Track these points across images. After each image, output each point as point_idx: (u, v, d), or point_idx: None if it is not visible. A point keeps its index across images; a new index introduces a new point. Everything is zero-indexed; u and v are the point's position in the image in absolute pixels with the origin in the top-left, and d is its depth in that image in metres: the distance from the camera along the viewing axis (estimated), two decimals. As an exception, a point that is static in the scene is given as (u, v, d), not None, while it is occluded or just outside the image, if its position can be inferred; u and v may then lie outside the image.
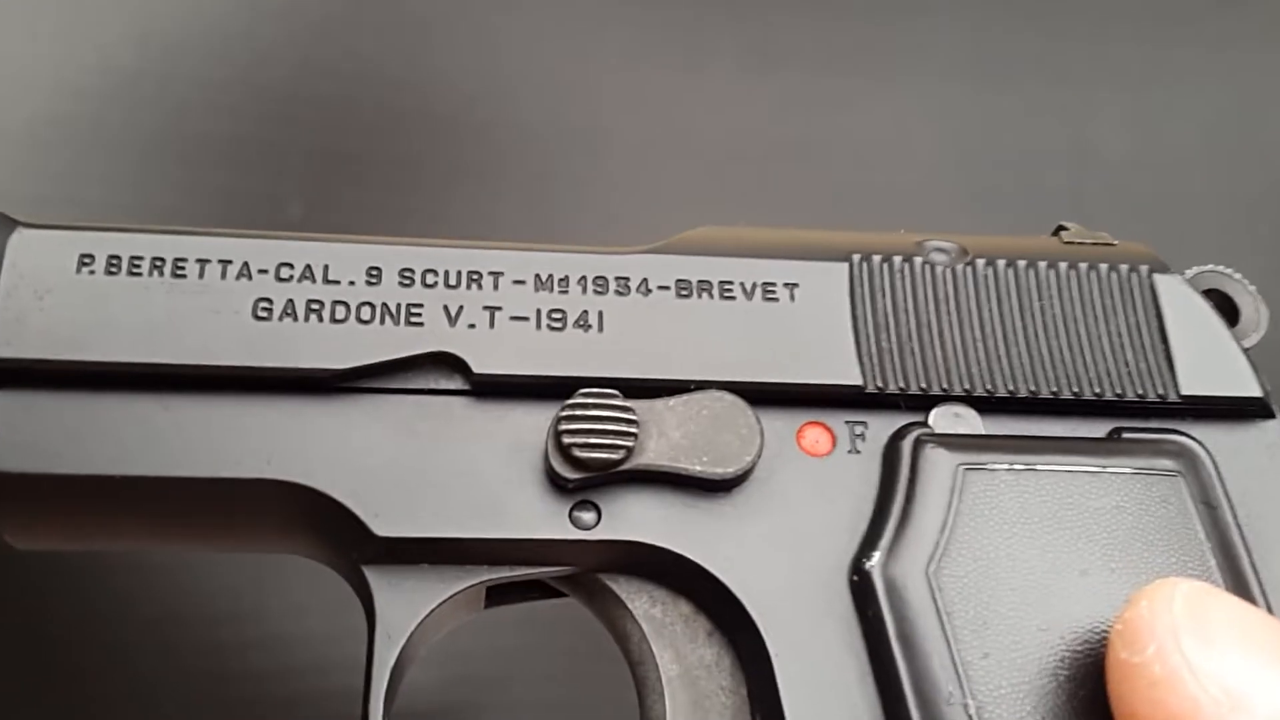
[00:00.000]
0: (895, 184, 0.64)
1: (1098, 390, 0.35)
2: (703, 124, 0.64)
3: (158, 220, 0.57)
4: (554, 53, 0.64)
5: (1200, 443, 0.34)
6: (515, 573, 0.34)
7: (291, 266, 0.34)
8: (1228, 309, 0.38)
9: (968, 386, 0.35)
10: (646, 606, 0.34)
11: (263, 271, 0.34)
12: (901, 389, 0.34)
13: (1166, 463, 0.34)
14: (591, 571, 0.34)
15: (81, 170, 0.58)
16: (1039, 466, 0.33)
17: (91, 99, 0.59)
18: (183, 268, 0.34)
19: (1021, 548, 0.32)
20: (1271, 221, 0.66)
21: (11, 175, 0.57)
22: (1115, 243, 0.38)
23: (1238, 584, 0.33)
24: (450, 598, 0.33)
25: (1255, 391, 0.35)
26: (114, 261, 0.33)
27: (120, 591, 0.52)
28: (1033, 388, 0.35)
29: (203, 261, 0.34)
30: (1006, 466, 0.33)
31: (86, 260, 0.33)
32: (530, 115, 0.63)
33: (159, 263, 0.34)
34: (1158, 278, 0.36)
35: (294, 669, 0.53)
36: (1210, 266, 0.39)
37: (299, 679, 0.53)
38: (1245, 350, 0.37)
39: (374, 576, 0.33)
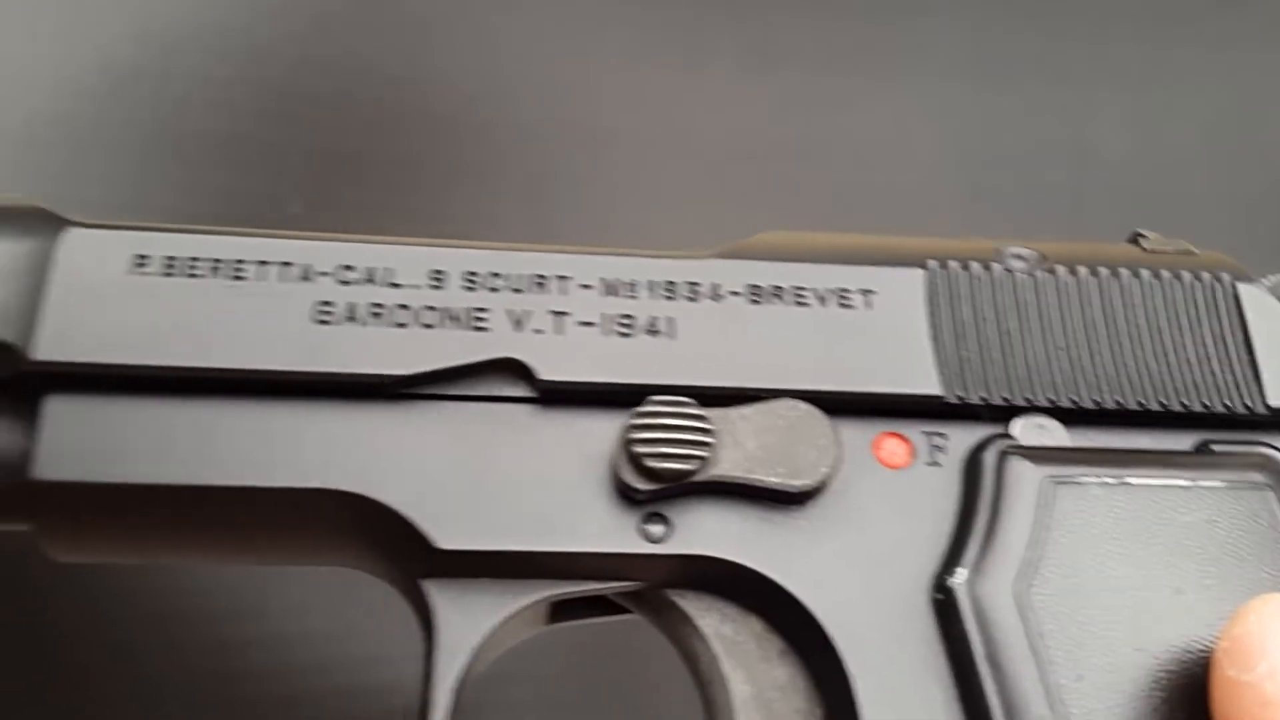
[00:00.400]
0: (895, 184, 0.64)
1: (1185, 402, 0.34)
2: (703, 124, 0.64)
3: (158, 219, 0.56)
4: (554, 52, 0.64)
5: None
6: (581, 588, 0.32)
7: (353, 269, 0.33)
8: (1308, 319, 0.37)
9: (1052, 397, 0.33)
10: (717, 624, 0.33)
11: (324, 274, 0.33)
12: (983, 399, 0.33)
13: (1256, 476, 0.32)
14: (659, 587, 0.33)
15: (81, 169, 0.57)
16: (1130, 480, 0.32)
17: (91, 97, 0.58)
18: (242, 269, 0.32)
19: (1114, 565, 0.31)
20: (1272, 221, 0.66)
21: (11, 174, 0.57)
22: (1196, 251, 0.37)
23: None
24: (514, 614, 0.32)
25: None
26: (170, 262, 0.32)
27: (122, 589, 0.51)
28: (1119, 399, 0.34)
29: (262, 263, 0.33)
30: (1097, 480, 0.32)
31: (142, 261, 0.32)
32: (530, 114, 0.63)
33: (218, 264, 0.32)
34: (1241, 286, 0.35)
35: (295, 667, 0.52)
36: (1288, 275, 0.38)
37: (300, 677, 0.52)
38: None
39: (435, 591, 0.32)
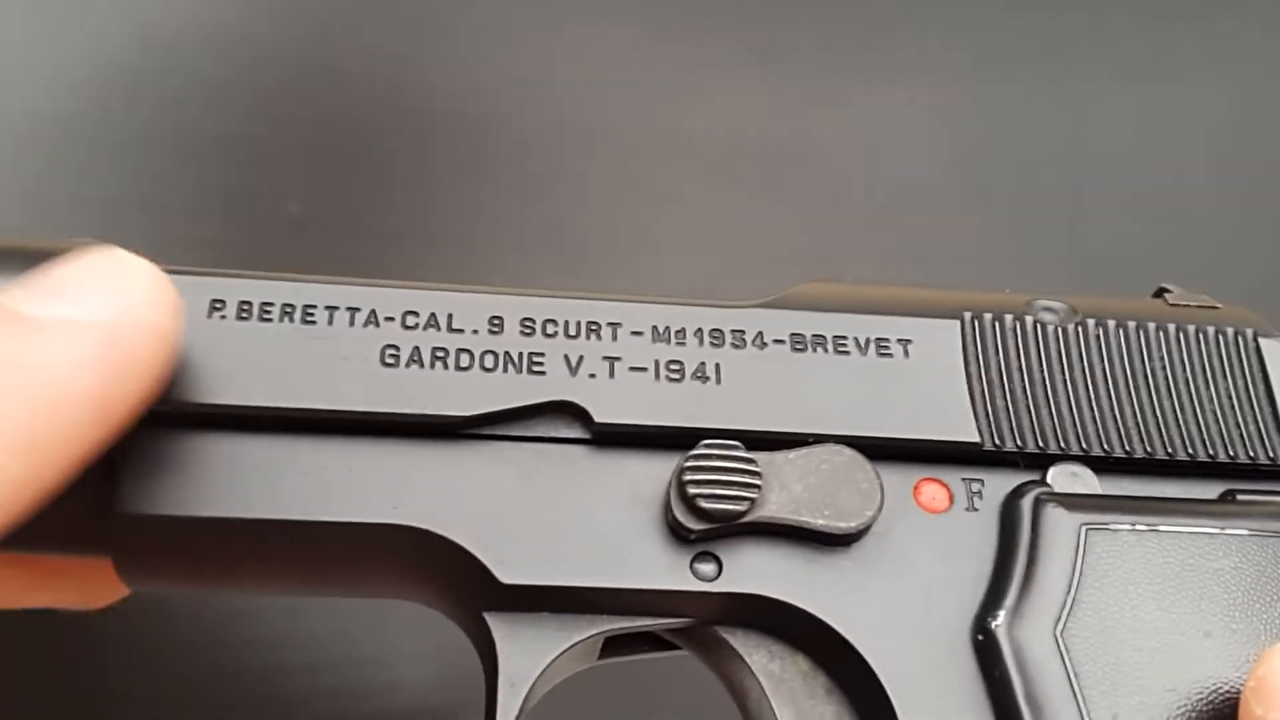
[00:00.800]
0: (895, 182, 0.64)
1: (1211, 452, 0.35)
2: (703, 123, 0.64)
3: (158, 219, 0.57)
4: (554, 52, 0.64)
5: None
6: (635, 623, 0.34)
7: (417, 314, 0.34)
8: (1325, 372, 0.38)
9: (1085, 446, 0.35)
10: (765, 661, 0.34)
11: (389, 319, 0.34)
12: (1019, 447, 0.35)
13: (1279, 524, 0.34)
14: (709, 624, 0.34)
15: (81, 168, 0.58)
16: (1160, 527, 0.33)
17: (91, 97, 0.58)
18: (312, 314, 0.34)
19: (1145, 609, 0.32)
20: (1272, 221, 0.67)
21: (12, 173, 0.57)
22: (1219, 305, 0.38)
23: None
24: (571, 647, 0.33)
25: None
26: (245, 307, 0.34)
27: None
28: (1149, 449, 0.35)
29: (331, 308, 0.34)
30: (1129, 527, 0.33)
31: (218, 305, 0.34)
32: (530, 114, 0.63)
33: (289, 309, 0.34)
34: (1264, 341, 0.37)
35: (289, 668, 0.53)
36: (1308, 329, 0.39)
37: (294, 678, 0.53)
38: None
39: (496, 624, 0.33)
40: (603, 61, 0.65)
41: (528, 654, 0.33)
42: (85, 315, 0.28)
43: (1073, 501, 0.34)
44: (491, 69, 0.63)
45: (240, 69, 0.60)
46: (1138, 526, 0.33)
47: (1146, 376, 0.36)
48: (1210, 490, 0.35)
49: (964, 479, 0.35)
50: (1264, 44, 0.70)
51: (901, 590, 0.33)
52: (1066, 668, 0.31)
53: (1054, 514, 0.33)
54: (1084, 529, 0.33)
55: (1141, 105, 0.68)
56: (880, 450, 0.34)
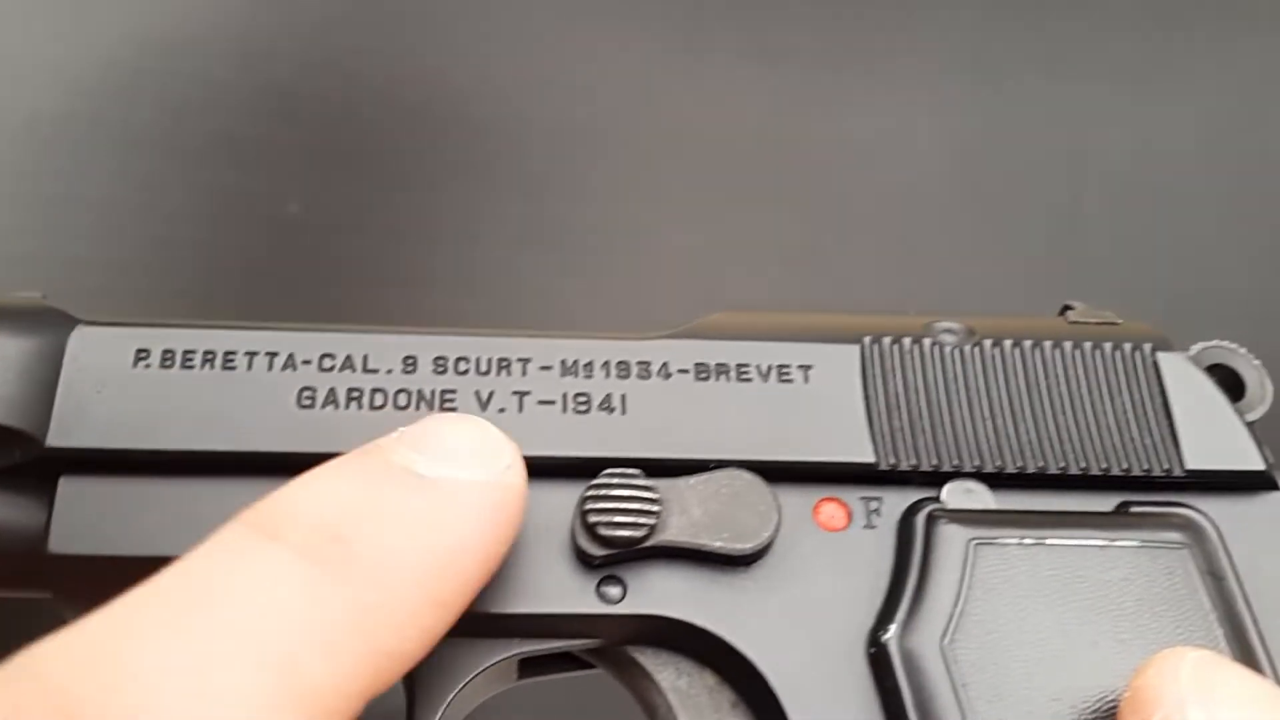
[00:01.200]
0: (895, 181, 0.65)
1: (1104, 466, 0.36)
2: (702, 122, 0.65)
3: (158, 218, 0.58)
4: (553, 51, 0.65)
5: (1206, 515, 0.36)
6: (546, 645, 0.35)
7: (333, 357, 0.36)
8: (1233, 383, 0.39)
9: (978, 463, 0.36)
10: (672, 678, 0.35)
11: (306, 362, 0.36)
12: (914, 465, 0.36)
13: (1172, 535, 0.35)
14: (619, 644, 0.36)
15: (82, 168, 0.59)
16: (1048, 540, 0.34)
17: (91, 98, 0.60)
18: (232, 360, 0.36)
19: (1033, 620, 0.33)
20: (1272, 221, 0.66)
21: (11, 173, 0.58)
22: (1119, 321, 0.39)
23: (1244, 653, 0.33)
24: (484, 669, 0.35)
25: (1258, 465, 0.37)
26: (168, 355, 0.36)
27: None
28: (1041, 464, 0.36)
29: (251, 354, 0.36)
30: (1017, 541, 0.34)
31: (142, 355, 0.36)
32: (529, 113, 0.64)
33: (210, 355, 0.36)
34: (1161, 355, 0.38)
35: None
36: (1215, 342, 0.40)
37: None
38: (1250, 424, 0.38)
39: None
40: (603, 61, 0.66)
41: (443, 677, 0.34)
42: (473, 477, 0.30)
43: (963, 517, 0.35)
44: (492, 69, 0.64)
45: (240, 69, 0.61)
46: (1025, 540, 0.34)
47: (1042, 393, 0.37)
48: (1106, 503, 0.36)
49: (862, 498, 0.36)
50: (1263, 46, 0.70)
51: (800, 607, 0.34)
52: (952, 677, 0.32)
53: (944, 529, 0.34)
54: (972, 543, 0.34)
55: (1140, 106, 0.68)
56: (779, 473, 0.36)
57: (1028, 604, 0.33)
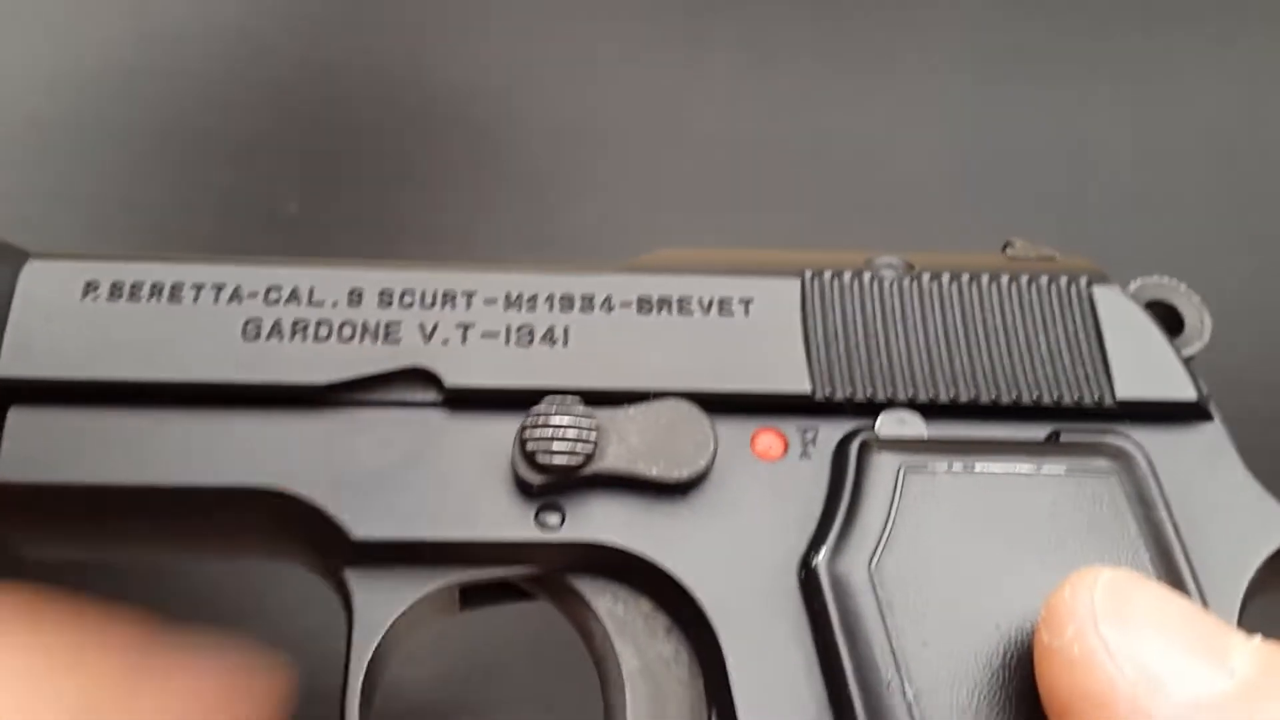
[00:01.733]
0: (894, 181, 0.65)
1: (1035, 396, 0.37)
2: (702, 122, 0.65)
3: (157, 218, 0.58)
4: (553, 51, 0.65)
5: (1137, 444, 0.36)
6: (486, 573, 0.36)
7: (279, 290, 0.37)
8: (1172, 319, 0.40)
9: (912, 393, 0.37)
10: (609, 604, 0.36)
11: (252, 295, 0.37)
12: (848, 396, 0.36)
13: (1100, 462, 0.35)
14: (558, 572, 0.36)
15: (82, 167, 0.59)
16: (976, 468, 0.35)
17: (91, 97, 0.60)
18: (179, 292, 0.36)
19: (960, 545, 0.34)
20: (1272, 220, 0.66)
21: (13, 172, 0.59)
22: (1057, 256, 0.40)
23: (1172, 578, 0.34)
24: (424, 596, 0.35)
25: (1191, 395, 0.37)
26: (116, 288, 0.36)
27: (102, 592, 0.54)
28: (973, 394, 0.37)
29: (197, 286, 0.37)
30: (946, 468, 0.35)
31: (92, 287, 0.36)
32: (529, 114, 0.64)
33: (157, 288, 0.36)
34: (1096, 288, 0.38)
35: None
36: (1155, 278, 0.40)
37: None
38: (1186, 357, 0.38)
39: (352, 577, 0.35)
40: (603, 62, 0.66)
41: (382, 603, 0.35)
42: None
43: (894, 445, 0.35)
44: (492, 69, 0.64)
45: (240, 69, 0.62)
46: (954, 467, 0.35)
47: (977, 326, 0.38)
48: (1038, 432, 0.37)
49: (798, 428, 0.36)
50: (1264, 44, 0.70)
51: (734, 534, 0.35)
52: (878, 599, 0.33)
53: (875, 457, 0.35)
54: (903, 470, 0.35)
55: (1141, 105, 0.68)
56: (718, 403, 0.36)
57: (955, 529, 0.34)
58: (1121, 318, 0.38)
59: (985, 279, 0.38)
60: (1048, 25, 0.69)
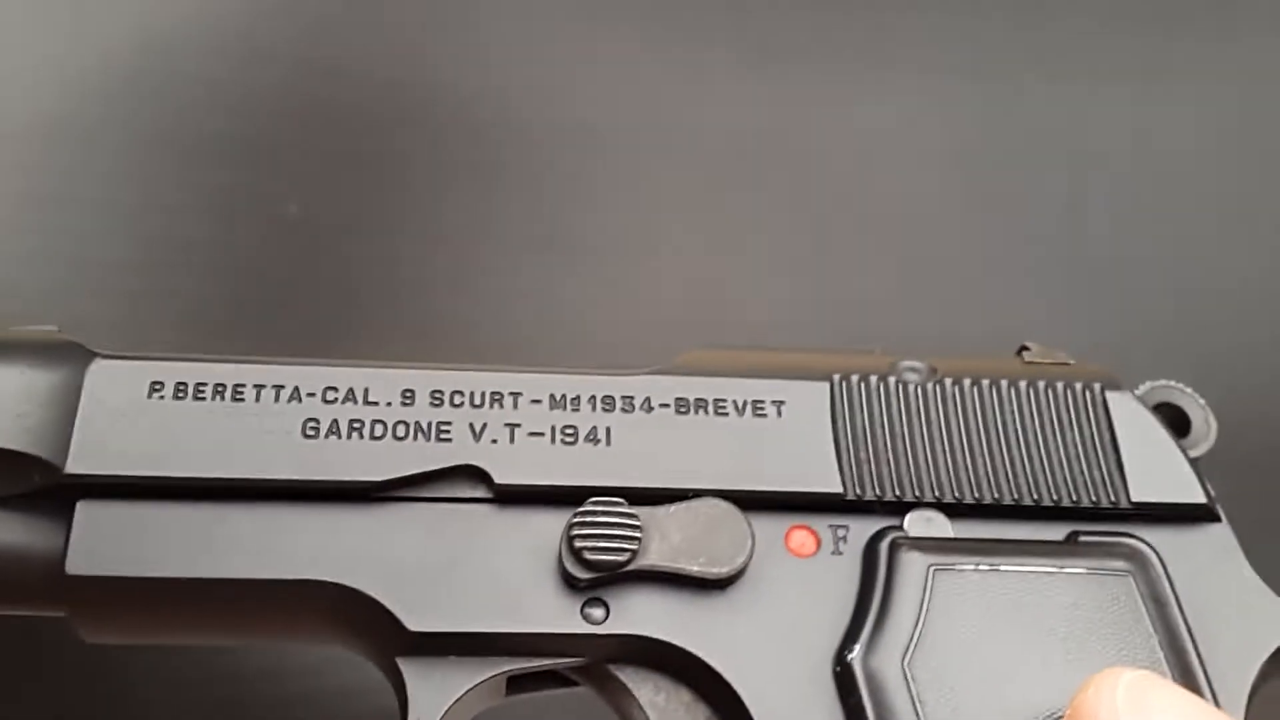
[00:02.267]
0: (894, 181, 0.65)
1: (1055, 497, 0.39)
2: (702, 123, 0.65)
3: (158, 218, 0.57)
4: (552, 52, 0.66)
5: (1150, 545, 0.38)
6: (533, 663, 0.38)
7: (336, 390, 0.39)
8: (1179, 421, 0.42)
9: (938, 494, 0.39)
10: (651, 694, 0.38)
11: (310, 395, 0.38)
12: (878, 496, 0.38)
13: (1118, 563, 0.37)
14: (602, 662, 0.38)
15: (82, 168, 0.59)
16: (1002, 567, 0.37)
17: (92, 98, 0.60)
18: (241, 392, 0.38)
19: (987, 641, 0.36)
20: (1272, 220, 0.67)
21: (11, 173, 0.59)
22: (1072, 362, 0.42)
23: (1185, 675, 0.36)
24: (474, 687, 0.37)
25: (1200, 498, 0.39)
26: (180, 388, 0.38)
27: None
28: (996, 495, 0.39)
29: (258, 386, 0.38)
30: (973, 567, 0.37)
31: (157, 387, 0.38)
32: (529, 114, 0.64)
33: (220, 388, 0.38)
34: (1110, 394, 0.41)
35: (288, 670, 0.54)
36: (1163, 382, 0.43)
37: (294, 679, 0.54)
38: (1194, 459, 0.40)
39: (406, 667, 0.37)
40: (603, 61, 0.66)
41: (435, 693, 0.37)
42: None
43: (923, 544, 0.37)
44: (492, 69, 0.65)
45: (240, 69, 0.62)
46: (980, 566, 0.37)
47: (998, 429, 0.40)
48: (1057, 532, 0.39)
49: (830, 525, 0.38)
50: (1265, 44, 0.70)
51: (771, 628, 0.37)
52: (912, 694, 0.35)
53: (906, 556, 0.37)
54: (932, 569, 0.37)
55: (1141, 105, 0.68)
56: (753, 501, 0.38)
57: (982, 626, 0.36)
58: (1134, 422, 0.40)
59: (1005, 385, 0.40)
60: (1047, 26, 0.69)
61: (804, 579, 0.38)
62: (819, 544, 0.38)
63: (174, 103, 0.60)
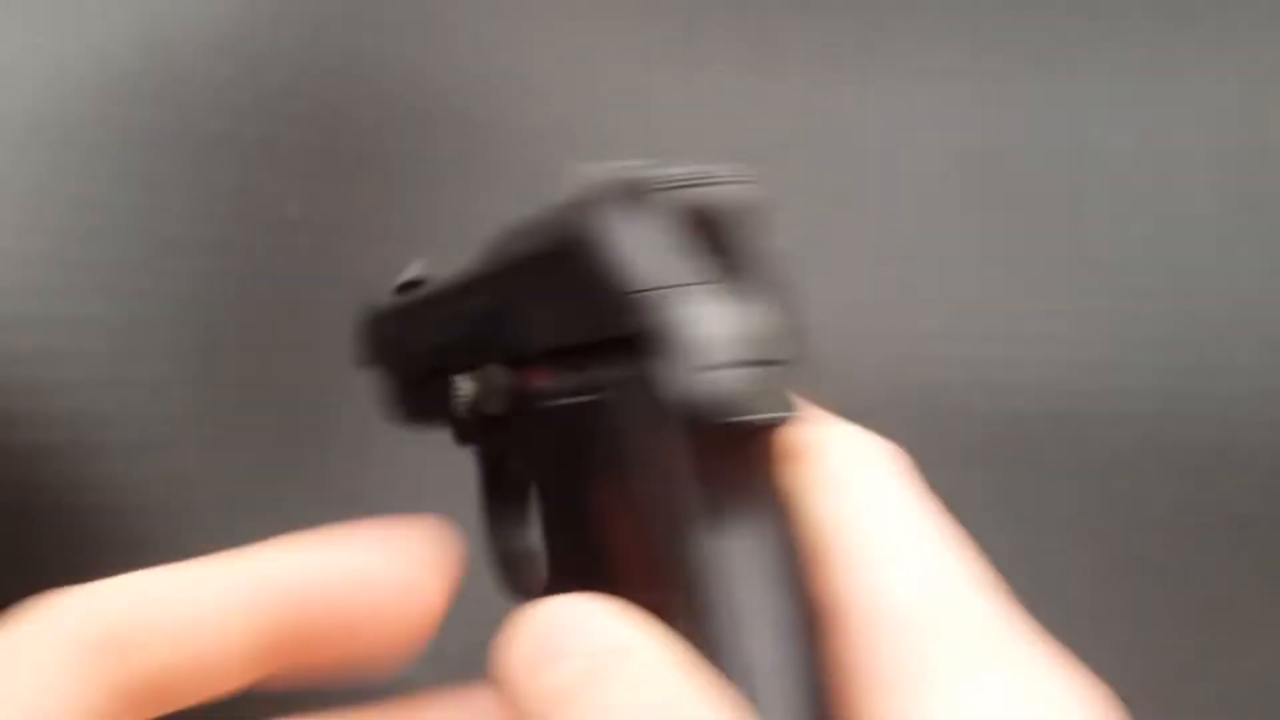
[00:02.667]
0: (895, 182, 0.65)
1: None
2: (702, 123, 0.64)
3: (157, 219, 0.56)
4: (552, 52, 0.65)
5: None
6: None
7: None
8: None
9: None
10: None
11: None
12: None
13: None
14: None
15: (83, 168, 0.58)
16: None
17: (93, 99, 0.59)
18: None
19: None
20: (1273, 220, 0.66)
21: (11, 173, 0.58)
22: None
23: None
24: None
25: None
26: None
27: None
28: None
29: None
30: None
31: None
32: (529, 114, 0.63)
33: None
34: None
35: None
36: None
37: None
38: None
39: None
40: (603, 61, 0.65)
41: None
42: None
43: None
44: (492, 69, 0.64)
45: (240, 69, 0.61)
46: None
47: None
48: None
49: None
50: (1268, 42, 0.69)
51: None
52: None
53: None
54: None
55: (1143, 104, 0.67)
56: None
57: None
58: None
59: None
60: (1048, 25, 0.68)
61: None
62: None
63: (175, 104, 0.59)
